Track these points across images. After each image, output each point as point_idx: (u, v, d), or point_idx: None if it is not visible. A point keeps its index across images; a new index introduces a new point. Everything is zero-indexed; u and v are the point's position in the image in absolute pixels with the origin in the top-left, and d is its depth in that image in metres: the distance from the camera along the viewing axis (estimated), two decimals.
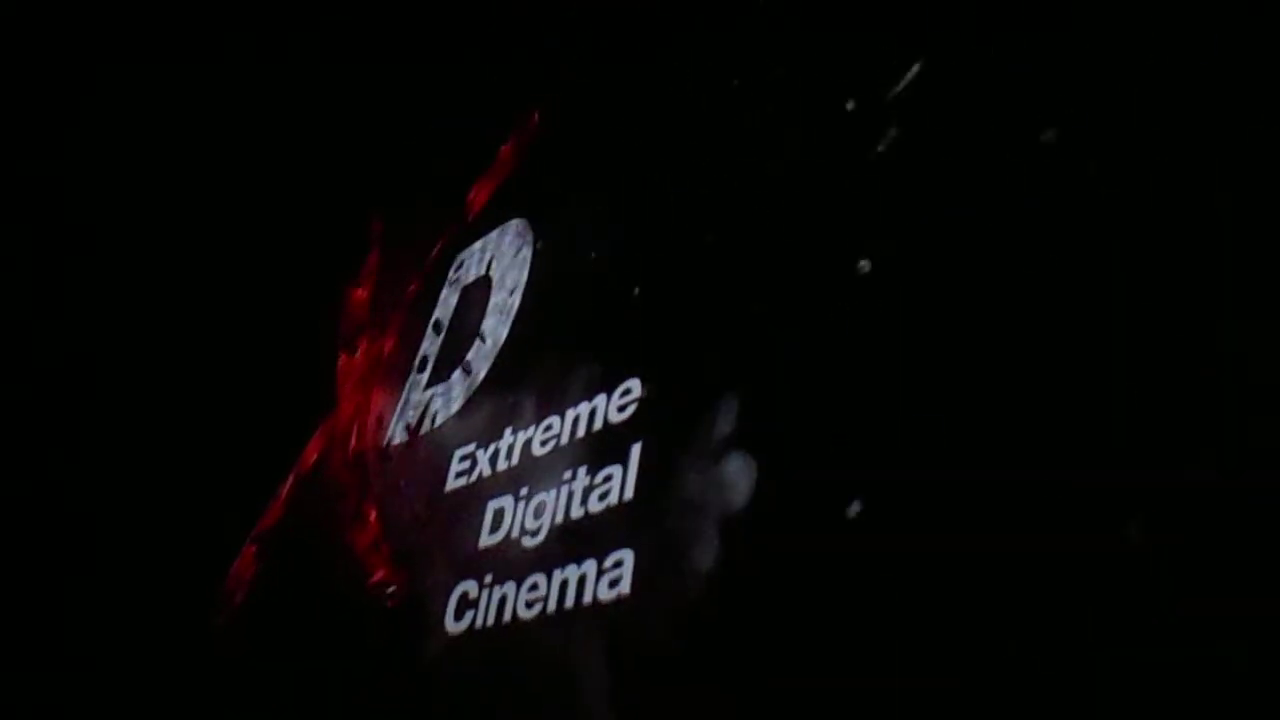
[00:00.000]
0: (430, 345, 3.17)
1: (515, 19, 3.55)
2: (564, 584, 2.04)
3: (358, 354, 3.36)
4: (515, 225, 3.13)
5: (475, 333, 2.98)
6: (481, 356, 2.89)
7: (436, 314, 3.24)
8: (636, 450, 2.09)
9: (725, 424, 1.97)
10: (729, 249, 2.30)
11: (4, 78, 3.70)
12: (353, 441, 3.07)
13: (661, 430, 2.09)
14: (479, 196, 3.37)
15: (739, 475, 1.88)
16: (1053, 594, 1.33)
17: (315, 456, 3.15)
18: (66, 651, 3.12)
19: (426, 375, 3.08)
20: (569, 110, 3.22)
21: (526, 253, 2.99)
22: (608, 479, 2.11)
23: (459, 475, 2.60)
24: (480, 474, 2.52)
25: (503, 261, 3.08)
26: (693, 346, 2.20)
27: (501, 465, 2.47)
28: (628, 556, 1.94)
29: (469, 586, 2.28)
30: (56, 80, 3.84)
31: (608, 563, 1.97)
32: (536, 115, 3.31)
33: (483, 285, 3.10)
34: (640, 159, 2.79)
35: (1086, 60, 1.70)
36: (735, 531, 1.80)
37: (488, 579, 2.25)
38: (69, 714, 2.95)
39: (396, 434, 3.01)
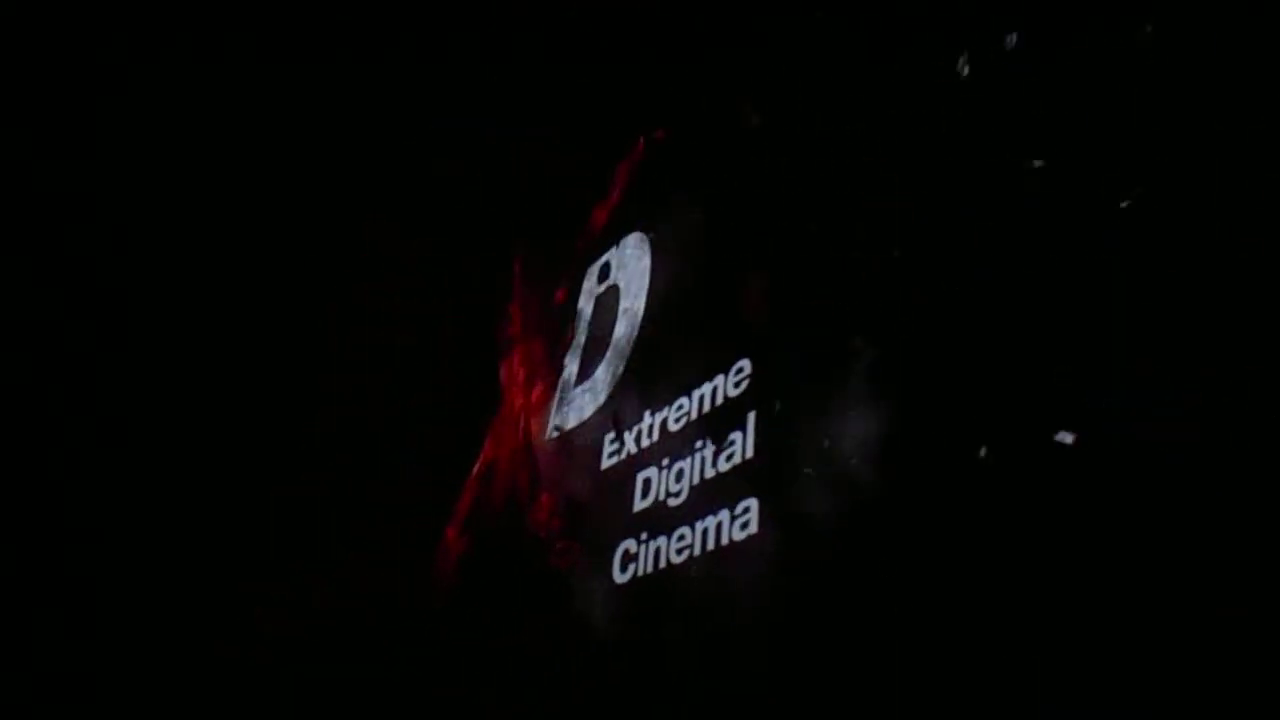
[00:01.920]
0: (574, 349, 3.69)
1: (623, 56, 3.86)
2: (705, 532, 2.50)
3: (515, 360, 3.93)
4: (634, 238, 3.60)
5: (610, 334, 3.47)
6: (618, 354, 3.37)
7: (576, 321, 3.76)
8: (752, 417, 2.53)
9: (825, 387, 2.38)
10: (821, 240, 2.68)
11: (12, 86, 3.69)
12: (521, 436, 3.64)
13: (771, 398, 2.52)
14: (600, 216, 3.87)
15: (838, 432, 2.29)
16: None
17: (491, 452, 3.73)
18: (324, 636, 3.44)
19: (574, 375, 3.60)
20: (671, 134, 3.66)
21: (646, 261, 3.46)
22: (732, 443, 2.56)
23: (611, 455, 3.10)
24: (628, 452, 3.01)
25: (626, 271, 3.56)
26: (796, 325, 2.60)
27: (645, 442, 2.95)
28: (754, 503, 2.39)
29: (629, 544, 2.77)
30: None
31: (738, 510, 2.42)
32: (643, 141, 3.77)
33: (612, 293, 3.59)
34: (735, 164, 3.19)
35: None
36: (841, 472, 2.22)
37: (644, 536, 2.73)
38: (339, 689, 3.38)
39: (556, 427, 3.55)
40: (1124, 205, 1.73)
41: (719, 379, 2.72)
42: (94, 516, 3.61)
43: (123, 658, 3.39)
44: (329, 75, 4.11)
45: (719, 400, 2.69)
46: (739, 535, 2.38)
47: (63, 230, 3.88)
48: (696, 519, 2.55)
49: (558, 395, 3.62)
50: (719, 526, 2.45)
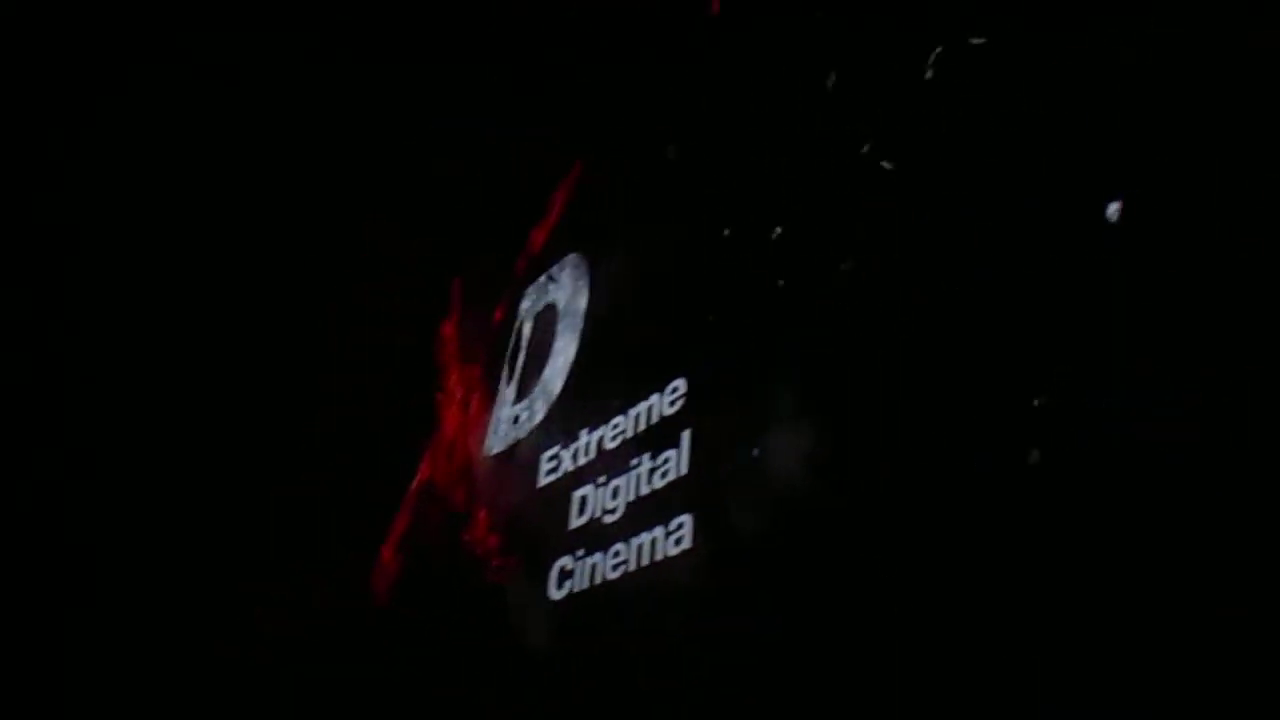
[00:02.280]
0: (512, 369, 3.72)
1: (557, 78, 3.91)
2: (640, 547, 2.55)
3: (453, 380, 3.93)
4: (572, 259, 3.65)
5: (548, 353, 3.51)
6: (555, 373, 3.42)
7: (514, 341, 3.79)
8: (686, 435, 2.60)
9: (754, 408, 2.46)
10: (755, 258, 2.76)
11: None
12: (458, 454, 3.64)
13: (704, 416, 2.59)
14: (538, 237, 3.91)
15: (769, 449, 2.36)
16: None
17: (428, 471, 3.73)
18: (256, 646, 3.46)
19: (512, 394, 3.62)
20: (606, 156, 3.73)
21: (584, 281, 3.51)
22: (666, 460, 2.62)
23: (548, 473, 3.14)
24: (565, 469, 3.05)
25: (565, 291, 3.61)
26: (727, 346, 2.68)
27: (581, 460, 2.99)
28: (688, 519, 2.45)
29: (566, 561, 2.81)
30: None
31: (673, 526, 2.47)
32: (579, 164, 3.84)
33: (550, 312, 3.64)
34: (670, 186, 3.26)
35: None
36: (774, 487, 2.29)
37: (580, 552, 2.77)
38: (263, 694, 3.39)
39: (494, 446, 3.57)
40: (1124, 203, 1.71)
41: (655, 398, 2.78)
42: (94, 516, 3.58)
43: (123, 657, 3.36)
44: (329, 75, 4.10)
45: (655, 418, 2.75)
46: (673, 550, 2.44)
47: (64, 231, 3.85)
48: (632, 535, 2.59)
49: (495, 414, 3.64)
50: (654, 542, 2.51)
